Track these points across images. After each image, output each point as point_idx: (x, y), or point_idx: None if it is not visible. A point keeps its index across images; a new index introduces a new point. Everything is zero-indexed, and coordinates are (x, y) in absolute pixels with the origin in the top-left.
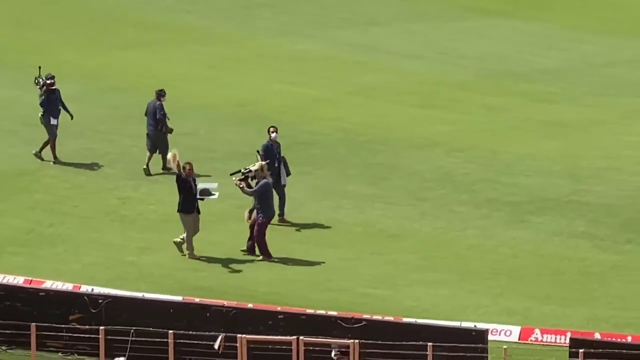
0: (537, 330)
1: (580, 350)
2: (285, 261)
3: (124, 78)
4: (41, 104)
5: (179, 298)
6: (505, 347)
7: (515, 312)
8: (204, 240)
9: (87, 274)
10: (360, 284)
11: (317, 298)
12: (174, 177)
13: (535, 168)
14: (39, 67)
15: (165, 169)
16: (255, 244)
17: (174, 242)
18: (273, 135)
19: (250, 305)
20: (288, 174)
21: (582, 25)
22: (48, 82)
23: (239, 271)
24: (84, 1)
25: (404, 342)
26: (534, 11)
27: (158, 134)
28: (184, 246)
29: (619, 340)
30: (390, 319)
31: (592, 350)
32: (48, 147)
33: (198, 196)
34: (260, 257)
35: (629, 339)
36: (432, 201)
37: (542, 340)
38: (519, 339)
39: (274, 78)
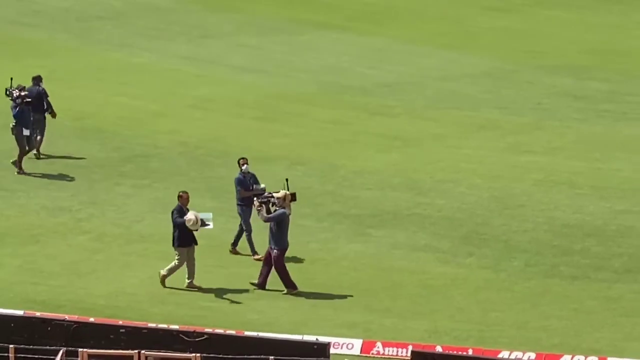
0: (378, 344)
1: None
2: (124, 274)
3: None
4: (15, 116)
5: (19, 312)
6: None
7: (356, 325)
8: (40, 254)
9: None
10: (202, 297)
11: (158, 311)
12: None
13: (375, 181)
14: (11, 79)
15: (38, 153)
16: (280, 279)
17: (188, 287)
18: (244, 167)
19: (91, 319)
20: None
21: (419, 39)
22: (23, 94)
23: (77, 285)
24: None
25: (245, 356)
26: (371, 25)
27: (40, 118)
28: (193, 282)
29: (460, 353)
30: (232, 332)
31: None
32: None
33: None
34: (286, 290)
35: (470, 351)
36: None
37: (383, 354)
38: (360, 352)
39: (112, 91)
